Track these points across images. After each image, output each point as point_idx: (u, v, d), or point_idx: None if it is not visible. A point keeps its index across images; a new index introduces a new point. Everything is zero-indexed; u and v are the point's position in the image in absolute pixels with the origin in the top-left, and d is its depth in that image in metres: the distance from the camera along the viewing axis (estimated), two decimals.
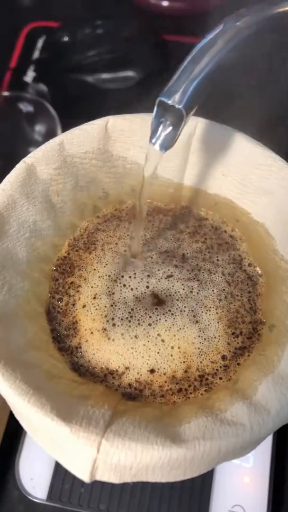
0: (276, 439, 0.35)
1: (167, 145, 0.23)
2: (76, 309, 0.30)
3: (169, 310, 0.29)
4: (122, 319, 0.29)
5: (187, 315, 0.29)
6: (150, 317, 0.29)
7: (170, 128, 0.23)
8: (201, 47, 0.22)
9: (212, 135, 0.29)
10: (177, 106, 0.21)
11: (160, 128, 0.23)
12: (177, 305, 0.29)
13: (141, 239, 0.31)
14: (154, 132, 0.23)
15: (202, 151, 0.30)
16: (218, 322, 0.29)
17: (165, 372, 0.27)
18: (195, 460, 0.21)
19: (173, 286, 0.30)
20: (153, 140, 0.23)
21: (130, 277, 0.30)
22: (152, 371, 0.28)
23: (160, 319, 0.29)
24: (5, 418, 0.35)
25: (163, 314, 0.29)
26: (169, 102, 0.21)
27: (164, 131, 0.23)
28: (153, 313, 0.29)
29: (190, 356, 0.28)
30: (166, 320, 0.29)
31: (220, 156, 0.30)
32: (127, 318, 0.29)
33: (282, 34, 0.25)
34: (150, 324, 0.28)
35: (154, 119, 0.23)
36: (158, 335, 0.28)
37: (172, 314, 0.29)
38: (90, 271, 0.31)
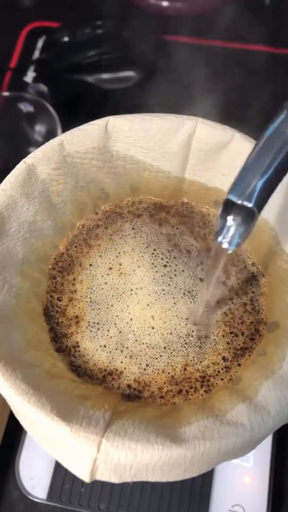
0: (276, 439, 0.35)
1: (236, 243, 0.21)
2: (75, 306, 0.30)
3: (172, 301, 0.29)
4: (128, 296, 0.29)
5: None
6: (148, 304, 0.29)
7: (240, 226, 0.21)
8: (267, 137, 0.20)
9: (212, 135, 0.29)
10: (248, 205, 0.19)
11: (228, 225, 0.21)
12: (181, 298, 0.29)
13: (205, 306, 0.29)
14: (221, 230, 0.21)
15: (202, 151, 0.30)
16: (219, 321, 0.29)
17: (163, 369, 0.27)
18: (195, 460, 0.21)
19: (177, 280, 0.30)
20: (220, 238, 0.21)
21: (134, 270, 0.30)
22: (149, 365, 0.28)
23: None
24: (5, 418, 0.35)
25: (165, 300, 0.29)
26: (239, 202, 0.19)
27: (233, 229, 0.21)
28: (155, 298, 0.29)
29: (187, 349, 0.28)
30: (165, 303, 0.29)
31: (220, 156, 0.30)
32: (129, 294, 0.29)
33: None
34: (148, 305, 0.29)
35: (220, 217, 0.21)
36: (152, 317, 0.28)
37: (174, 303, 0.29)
38: (90, 266, 0.31)
